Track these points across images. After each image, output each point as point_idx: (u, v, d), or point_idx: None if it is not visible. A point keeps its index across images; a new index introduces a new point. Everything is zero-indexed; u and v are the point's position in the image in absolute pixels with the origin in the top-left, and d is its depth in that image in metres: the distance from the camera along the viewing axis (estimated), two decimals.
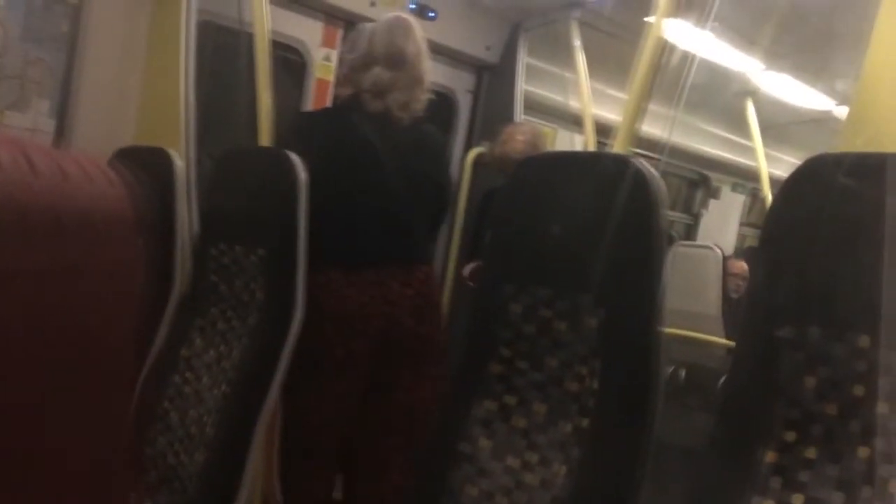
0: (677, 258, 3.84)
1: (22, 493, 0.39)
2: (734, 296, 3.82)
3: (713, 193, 5.30)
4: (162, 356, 1.92)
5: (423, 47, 2.05)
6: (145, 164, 2.09)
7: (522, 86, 3.35)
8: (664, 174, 1.33)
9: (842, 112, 3.58)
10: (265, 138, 2.03)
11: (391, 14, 2.12)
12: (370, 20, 2.21)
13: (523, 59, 3.35)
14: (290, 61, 2.85)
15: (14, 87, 2.27)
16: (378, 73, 1.99)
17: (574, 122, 3.13)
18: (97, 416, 0.45)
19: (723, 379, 1.27)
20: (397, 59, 2.00)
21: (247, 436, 1.68)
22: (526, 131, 2.91)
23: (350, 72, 2.07)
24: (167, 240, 1.99)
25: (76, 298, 0.41)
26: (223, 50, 2.40)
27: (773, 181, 3.74)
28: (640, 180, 1.25)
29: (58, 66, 2.35)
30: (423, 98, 2.05)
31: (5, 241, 0.35)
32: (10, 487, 0.38)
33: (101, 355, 0.44)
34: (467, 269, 2.88)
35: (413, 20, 2.09)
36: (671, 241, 4.31)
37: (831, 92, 3.70)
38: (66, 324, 0.40)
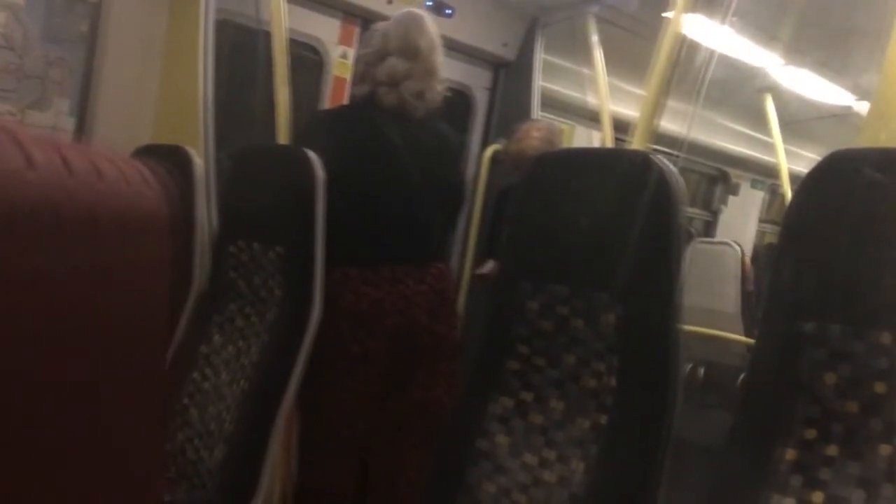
0: (696, 255, 3.82)
1: (62, 482, 0.40)
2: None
3: (732, 190, 5.27)
4: (181, 353, 1.94)
5: (437, 40, 2.07)
6: (164, 162, 2.10)
7: (539, 82, 3.34)
8: (683, 170, 1.32)
9: (862, 107, 3.54)
10: (283, 136, 2.05)
11: (403, 10, 2.13)
12: (387, 18, 2.22)
13: (540, 56, 3.34)
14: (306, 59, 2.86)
15: (35, 87, 2.30)
16: (393, 63, 2.01)
17: (592, 118, 3.12)
18: (132, 410, 0.46)
19: (742, 376, 1.26)
20: (411, 52, 2.02)
21: (266, 432, 1.69)
22: (542, 128, 2.91)
23: (366, 67, 2.08)
24: (186, 237, 2.00)
25: (111, 298, 0.41)
26: (241, 48, 2.42)
27: (793, 177, 3.72)
28: (659, 177, 1.25)
29: (77, 66, 2.37)
30: (437, 89, 2.06)
31: (40, 240, 0.35)
32: (45, 484, 0.39)
33: (135, 351, 0.45)
34: (487, 268, 2.87)
35: (425, 14, 2.10)
36: (690, 237, 4.29)
37: (852, 87, 3.66)
38: (100, 323, 0.41)
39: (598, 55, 3.01)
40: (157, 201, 0.44)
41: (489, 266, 2.86)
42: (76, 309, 0.38)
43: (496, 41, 3.33)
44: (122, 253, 0.42)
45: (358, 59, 2.22)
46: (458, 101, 3.38)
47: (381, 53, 2.04)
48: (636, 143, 1.52)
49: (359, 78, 2.14)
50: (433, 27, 2.08)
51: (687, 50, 1.62)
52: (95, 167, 0.39)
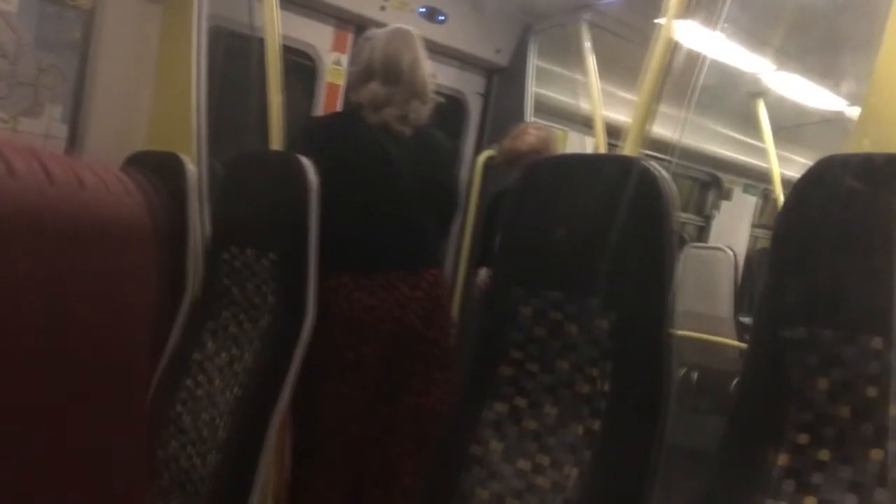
0: (689, 260, 3.83)
1: (38, 490, 0.40)
2: None
3: (725, 195, 5.28)
4: (174, 359, 1.93)
5: (422, 57, 2.06)
6: (157, 168, 2.10)
7: (533, 88, 3.35)
8: (675, 176, 1.33)
9: (854, 112, 3.55)
10: (276, 142, 2.04)
11: (393, 26, 2.13)
12: (380, 24, 2.22)
13: (533, 62, 3.35)
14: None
15: (27, 94, 2.29)
16: (374, 88, 2.01)
17: (584, 124, 3.12)
18: (112, 416, 0.45)
19: (735, 381, 1.26)
20: (394, 73, 2.01)
21: (259, 438, 1.69)
22: (540, 127, 2.90)
23: (355, 82, 2.09)
24: (179, 244, 2.00)
25: (92, 303, 0.41)
26: (234, 55, 2.42)
27: (785, 182, 3.73)
28: (651, 182, 1.25)
29: (70, 73, 2.37)
30: (422, 109, 2.05)
31: (21, 247, 0.35)
32: (26, 484, 0.39)
33: (116, 358, 0.44)
34: (482, 276, 2.86)
35: (413, 32, 2.10)
36: (682, 242, 4.30)
37: (843, 92, 3.68)
38: (81, 327, 0.41)
39: (591, 61, 3.02)
40: (139, 210, 0.44)
41: (483, 274, 2.85)
42: (57, 312, 0.38)
43: (489, 47, 3.34)
44: (104, 260, 0.41)
45: (349, 73, 2.22)
46: (452, 106, 3.39)
47: (365, 74, 2.04)
48: (628, 148, 1.52)
49: (350, 88, 2.15)
50: (420, 44, 2.07)
51: (679, 55, 1.63)
52: (77, 176, 0.39)
